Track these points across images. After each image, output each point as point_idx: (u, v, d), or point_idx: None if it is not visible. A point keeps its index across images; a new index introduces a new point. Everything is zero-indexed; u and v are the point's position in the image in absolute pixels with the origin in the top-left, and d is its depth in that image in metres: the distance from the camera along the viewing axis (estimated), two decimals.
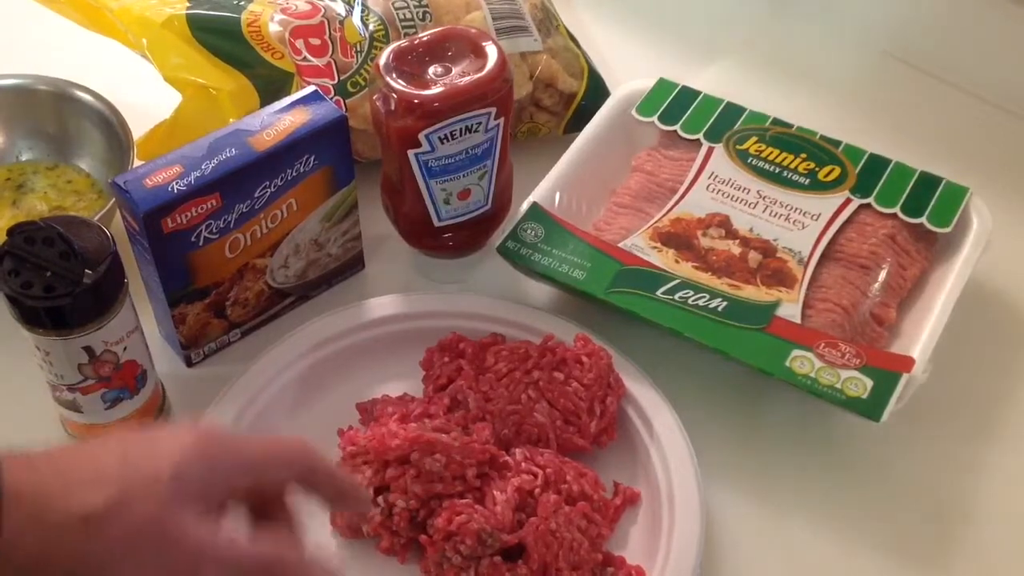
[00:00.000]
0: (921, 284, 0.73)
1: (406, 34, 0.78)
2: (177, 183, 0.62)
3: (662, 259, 0.71)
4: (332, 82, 0.76)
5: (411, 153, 0.67)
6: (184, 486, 0.43)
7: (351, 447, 0.61)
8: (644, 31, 0.99)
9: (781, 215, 0.74)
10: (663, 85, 0.82)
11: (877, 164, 0.76)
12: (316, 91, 0.69)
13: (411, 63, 0.67)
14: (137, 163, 0.73)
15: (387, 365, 0.69)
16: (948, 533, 0.65)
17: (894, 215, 0.74)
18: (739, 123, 0.79)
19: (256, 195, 0.65)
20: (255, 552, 0.45)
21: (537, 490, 0.60)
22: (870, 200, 0.74)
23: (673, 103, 0.81)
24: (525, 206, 0.73)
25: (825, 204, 0.74)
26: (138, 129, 0.76)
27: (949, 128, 0.90)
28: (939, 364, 0.66)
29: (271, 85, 0.75)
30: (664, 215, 0.75)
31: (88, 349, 0.59)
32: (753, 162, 0.77)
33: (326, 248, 0.73)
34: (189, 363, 0.70)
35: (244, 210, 0.65)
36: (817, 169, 0.76)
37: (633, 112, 0.81)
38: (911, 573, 0.63)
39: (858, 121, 0.88)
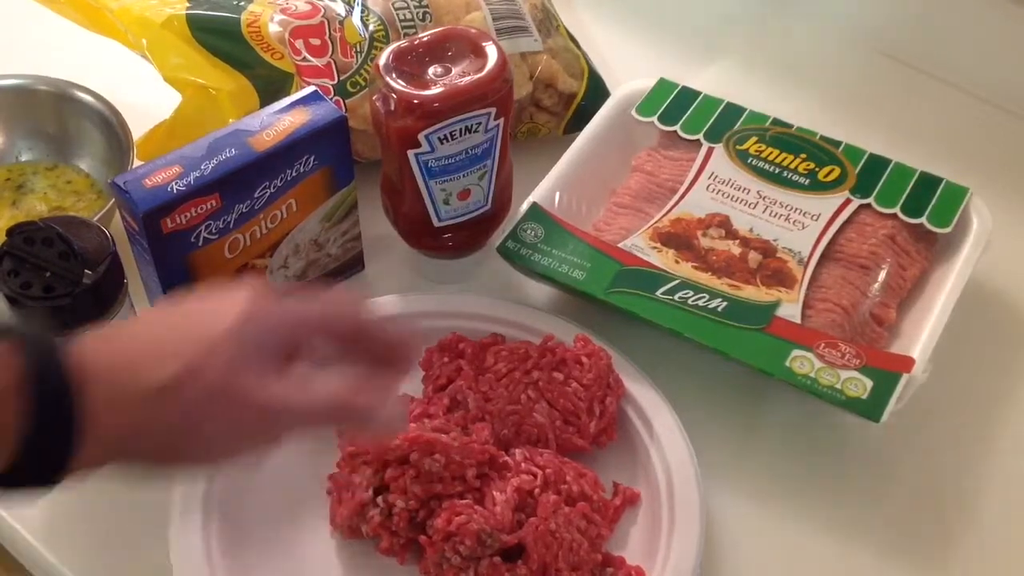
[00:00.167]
0: (921, 284, 0.73)
1: (406, 34, 0.78)
2: (177, 183, 0.62)
3: (662, 259, 0.71)
4: (332, 82, 0.76)
5: (411, 153, 0.67)
6: (244, 349, 0.46)
7: (351, 447, 0.61)
8: (644, 31, 0.99)
9: (781, 215, 0.74)
10: (663, 85, 0.82)
11: (877, 164, 0.76)
12: (316, 91, 0.69)
13: (411, 63, 0.67)
14: (137, 163, 0.73)
15: None
16: (948, 533, 0.65)
17: (894, 215, 0.74)
18: (739, 123, 0.79)
19: (256, 195, 0.65)
20: (323, 397, 0.49)
21: (537, 490, 0.60)
22: (870, 200, 0.74)
23: (673, 103, 0.81)
24: (525, 206, 0.73)
25: (825, 204, 0.74)
26: (138, 129, 0.76)
27: (949, 128, 0.90)
28: (939, 364, 0.66)
29: (271, 85, 0.75)
30: (664, 215, 0.75)
31: None
32: (753, 162, 0.77)
33: (326, 248, 0.73)
34: None
35: (244, 210, 0.65)
36: (817, 169, 0.76)
37: (633, 112, 0.81)
38: (911, 573, 0.63)
39: (858, 121, 0.88)
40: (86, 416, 0.43)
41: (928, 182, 0.75)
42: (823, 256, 0.72)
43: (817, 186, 0.75)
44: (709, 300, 0.68)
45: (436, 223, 0.71)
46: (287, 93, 0.74)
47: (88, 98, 0.79)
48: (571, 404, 0.64)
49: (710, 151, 0.78)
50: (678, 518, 0.60)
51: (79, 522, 0.63)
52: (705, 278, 0.70)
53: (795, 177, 0.76)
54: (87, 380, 0.43)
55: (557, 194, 0.75)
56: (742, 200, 0.75)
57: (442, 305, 0.71)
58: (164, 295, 0.65)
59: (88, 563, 0.61)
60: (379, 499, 0.59)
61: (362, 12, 0.80)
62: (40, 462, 0.43)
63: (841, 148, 0.77)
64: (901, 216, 0.74)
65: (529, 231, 0.72)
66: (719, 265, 0.71)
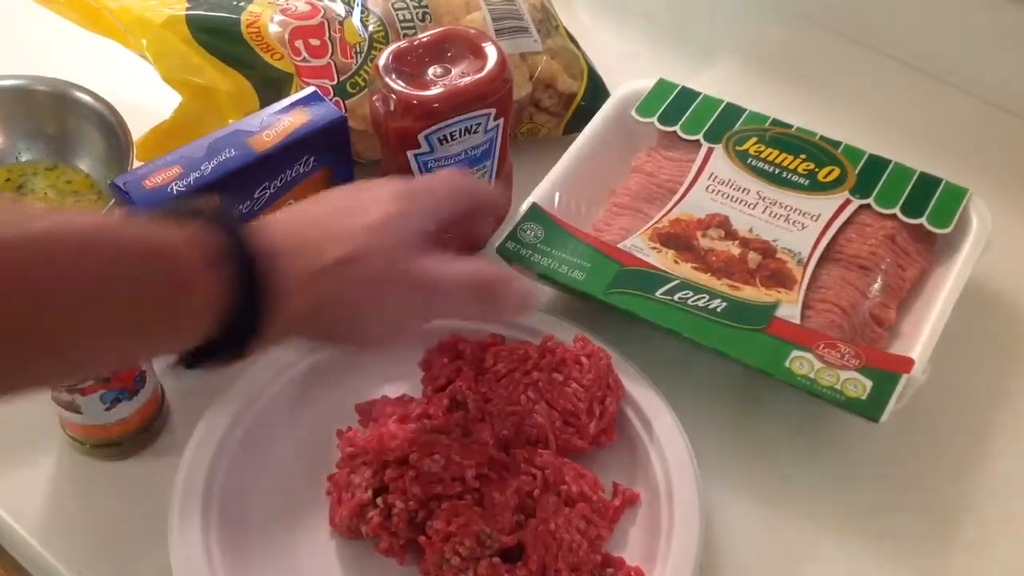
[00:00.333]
0: (920, 285, 0.73)
1: (405, 35, 0.78)
2: (176, 184, 0.62)
3: (661, 260, 0.71)
4: (332, 83, 0.76)
5: (410, 154, 0.67)
6: (400, 234, 0.53)
7: (350, 448, 0.61)
8: (644, 31, 0.99)
9: (781, 216, 0.74)
10: (663, 86, 0.82)
11: (877, 165, 0.76)
12: (316, 92, 0.69)
13: (411, 64, 0.67)
14: (137, 164, 0.73)
15: (386, 366, 0.68)
16: (948, 533, 0.65)
17: (894, 216, 0.74)
18: (739, 124, 0.79)
19: (256, 196, 0.65)
20: (467, 273, 0.56)
21: (536, 491, 0.60)
22: (869, 201, 0.74)
23: (673, 104, 0.81)
24: (525, 206, 0.73)
25: (825, 205, 0.74)
26: (137, 130, 0.76)
27: (949, 128, 0.90)
28: (939, 364, 0.66)
29: (270, 86, 0.75)
30: (664, 216, 0.75)
31: None
32: (753, 163, 0.77)
33: None
34: (189, 364, 0.70)
35: (244, 211, 0.65)
36: (817, 170, 0.76)
37: (633, 113, 0.81)
38: (911, 573, 0.63)
39: (858, 121, 0.88)
40: (278, 288, 0.47)
41: (928, 183, 0.75)
42: (823, 257, 0.72)
43: (817, 187, 0.75)
44: (709, 300, 0.68)
45: None
46: (287, 94, 0.74)
47: (88, 98, 0.79)
48: (571, 405, 0.64)
49: (710, 151, 0.78)
50: (678, 518, 0.60)
51: (79, 522, 0.63)
52: (705, 278, 0.70)
53: (795, 178, 0.76)
54: (276, 255, 0.47)
55: (557, 194, 0.75)
56: (742, 201, 0.75)
57: None
58: None
59: (88, 563, 0.61)
60: (379, 500, 0.59)
61: (362, 13, 0.80)
62: (235, 334, 0.47)
63: (841, 148, 0.77)
64: (901, 216, 0.74)
65: (529, 231, 0.72)
66: (718, 265, 0.71)
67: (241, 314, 0.46)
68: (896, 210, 0.74)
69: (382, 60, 0.67)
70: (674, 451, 0.63)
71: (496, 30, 0.80)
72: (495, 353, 0.66)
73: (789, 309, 0.68)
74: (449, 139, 0.66)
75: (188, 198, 0.58)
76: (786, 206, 0.74)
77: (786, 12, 1.00)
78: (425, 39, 0.69)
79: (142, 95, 0.79)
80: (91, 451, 0.65)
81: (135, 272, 0.44)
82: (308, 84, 0.75)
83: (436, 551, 0.57)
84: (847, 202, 0.74)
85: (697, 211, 0.75)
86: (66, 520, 0.63)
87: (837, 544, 0.64)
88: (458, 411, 0.64)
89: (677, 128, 0.79)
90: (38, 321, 0.41)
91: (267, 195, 0.66)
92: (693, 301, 0.68)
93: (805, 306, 0.69)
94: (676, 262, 0.71)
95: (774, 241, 0.73)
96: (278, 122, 0.66)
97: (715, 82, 0.87)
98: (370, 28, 0.79)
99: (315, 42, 0.77)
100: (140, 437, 0.65)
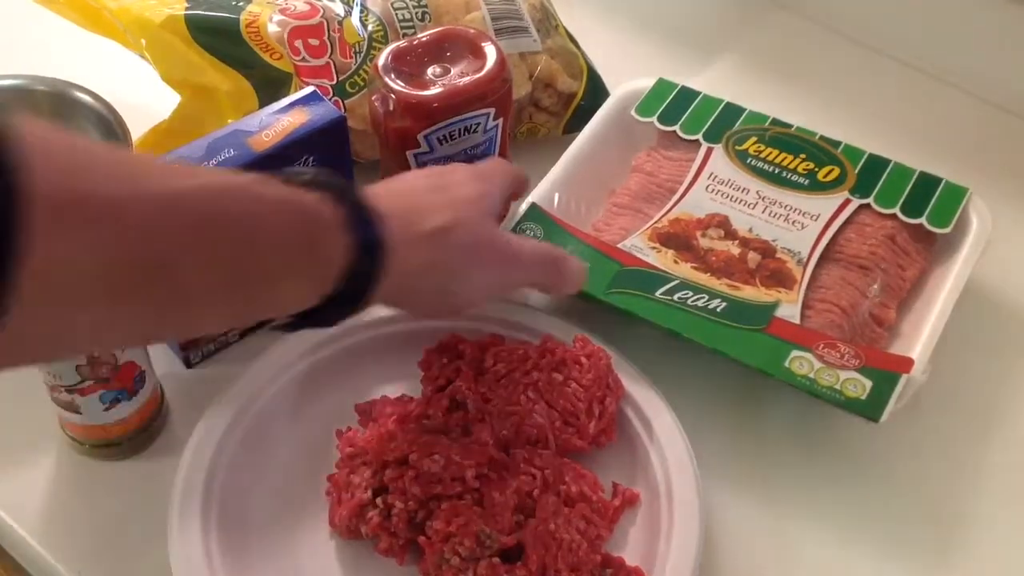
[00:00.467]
0: (920, 285, 0.73)
1: (405, 35, 0.78)
2: None
3: (661, 260, 0.71)
4: (331, 83, 0.76)
5: (410, 154, 0.67)
6: (486, 210, 0.59)
7: (349, 448, 0.61)
8: (644, 31, 0.99)
9: (780, 215, 0.74)
10: (662, 85, 0.82)
11: (876, 164, 0.76)
12: (315, 92, 0.69)
13: (410, 64, 0.67)
14: None
15: (386, 366, 0.68)
16: (948, 533, 0.65)
17: (893, 216, 0.74)
18: (738, 123, 0.79)
19: None
20: (543, 249, 0.64)
21: (536, 491, 0.60)
22: (869, 200, 0.74)
23: (672, 103, 0.81)
24: (524, 206, 0.73)
25: (824, 204, 0.74)
26: (137, 130, 0.76)
27: (949, 128, 0.90)
28: (939, 364, 0.66)
29: (270, 86, 0.75)
30: (663, 215, 0.75)
31: None
32: (752, 162, 0.77)
33: None
34: (188, 364, 0.70)
35: None
36: (816, 169, 0.76)
37: (632, 112, 0.81)
38: (910, 573, 0.63)
39: (858, 121, 0.88)
40: (391, 251, 0.51)
41: (928, 182, 0.75)
42: (822, 256, 0.72)
43: (816, 186, 0.75)
44: (708, 300, 0.68)
45: None
46: (286, 93, 0.74)
47: (87, 98, 0.79)
48: (570, 405, 0.64)
49: (709, 151, 0.78)
50: (677, 518, 0.60)
51: (79, 522, 0.63)
52: (704, 278, 0.70)
53: (794, 177, 0.76)
54: (386, 219, 0.52)
55: (556, 194, 0.75)
56: (741, 200, 0.75)
57: None
58: None
59: (88, 563, 0.61)
60: (378, 500, 0.59)
61: (361, 12, 0.80)
62: (351, 293, 0.51)
63: (840, 148, 0.77)
64: (900, 216, 0.74)
65: (528, 231, 0.72)
66: (718, 265, 0.71)
67: (362, 272, 0.51)
68: (896, 210, 0.74)
69: (381, 60, 0.67)
70: (674, 451, 0.63)
71: (496, 30, 0.80)
72: (495, 353, 0.66)
73: (789, 309, 0.68)
74: (449, 139, 0.66)
75: (293, 168, 0.61)
76: (786, 206, 0.74)
77: (786, 12, 1.00)
78: (424, 39, 0.69)
79: (142, 95, 0.79)
80: (90, 451, 0.65)
81: (286, 225, 0.48)
82: (307, 84, 0.75)
83: (436, 551, 0.57)
84: (847, 202, 0.74)
85: (697, 211, 0.75)
86: (66, 520, 0.63)
87: (837, 544, 0.64)
88: (458, 411, 0.64)
89: (677, 128, 0.79)
90: (237, 262, 0.45)
91: None
92: (693, 301, 0.68)
93: (805, 306, 0.69)
94: (676, 262, 0.71)
95: (774, 241, 0.73)
96: (277, 122, 0.66)
97: (715, 82, 0.87)
98: (369, 28, 0.79)
99: (314, 42, 0.77)
100: (140, 437, 0.65)
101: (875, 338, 0.70)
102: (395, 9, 0.80)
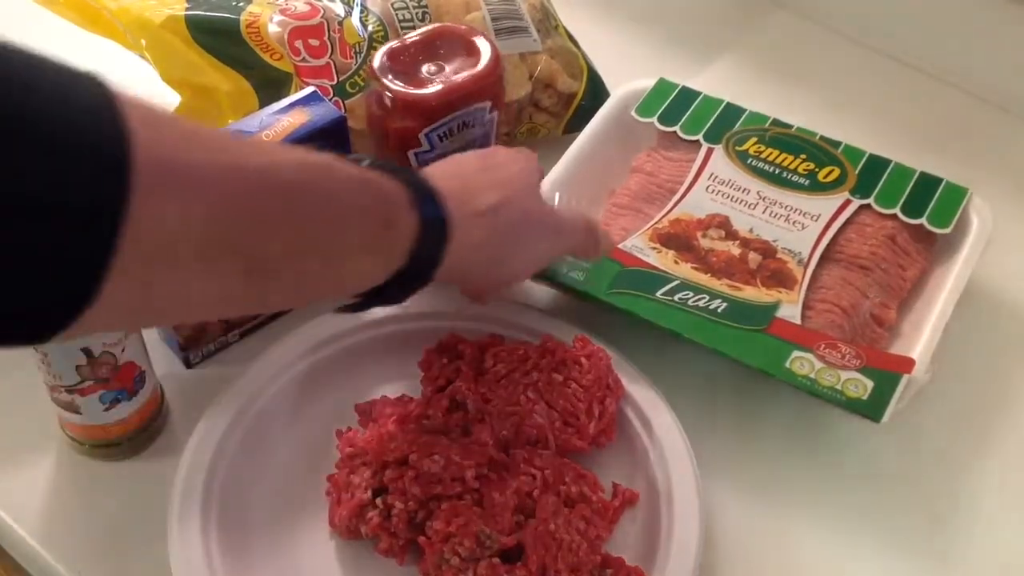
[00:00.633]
0: (920, 285, 0.73)
1: (405, 35, 0.78)
2: None
3: (662, 260, 0.71)
4: (331, 83, 0.76)
5: (411, 153, 0.67)
6: (532, 187, 0.63)
7: (349, 448, 0.61)
8: (644, 31, 0.99)
9: (781, 216, 0.74)
10: (663, 85, 0.82)
11: (877, 165, 0.76)
12: (315, 92, 0.69)
13: (404, 63, 0.68)
14: None
15: (386, 366, 0.68)
16: (948, 533, 0.65)
17: (894, 216, 0.74)
18: (739, 124, 0.79)
19: None
20: (581, 219, 0.67)
21: (536, 492, 0.60)
22: (870, 201, 0.74)
23: (673, 104, 0.81)
24: None
25: (825, 205, 0.74)
26: None
27: (949, 128, 0.90)
28: (939, 364, 0.66)
29: (270, 86, 0.75)
30: (664, 216, 0.75)
31: (86, 350, 0.59)
32: (753, 163, 0.77)
33: None
34: (188, 364, 0.70)
35: None
36: (817, 170, 0.76)
37: (633, 113, 0.80)
38: (910, 573, 0.63)
39: (857, 121, 0.88)
40: (455, 227, 0.54)
41: (928, 183, 0.75)
42: (823, 257, 0.72)
43: (817, 187, 0.75)
44: (709, 301, 0.68)
45: None
46: (286, 94, 0.74)
47: None
48: (570, 405, 0.64)
49: (710, 152, 0.78)
50: (677, 518, 0.60)
51: (78, 522, 0.63)
52: (705, 279, 0.70)
53: (795, 178, 0.76)
54: (447, 199, 0.54)
55: (557, 194, 0.75)
56: (742, 201, 0.75)
57: (441, 306, 0.70)
58: None
59: (88, 563, 0.61)
60: (378, 500, 0.59)
61: (361, 13, 0.80)
62: (416, 270, 0.53)
63: (841, 148, 0.77)
64: (901, 217, 0.74)
65: None
66: (719, 266, 0.71)
67: (428, 249, 0.53)
68: (896, 210, 0.74)
69: (377, 61, 0.67)
70: (674, 451, 0.63)
71: (496, 30, 0.80)
72: (495, 354, 0.66)
73: (790, 309, 0.68)
74: (449, 135, 0.67)
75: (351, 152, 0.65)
76: (786, 206, 0.74)
77: (786, 12, 1.00)
78: (416, 38, 0.69)
79: (142, 95, 0.79)
80: (90, 451, 0.65)
81: (368, 201, 0.50)
82: (307, 84, 0.75)
83: (436, 551, 0.57)
84: (847, 202, 0.74)
85: (697, 211, 0.75)
86: (65, 520, 0.63)
87: (837, 544, 0.64)
88: (458, 411, 0.64)
89: (677, 128, 0.79)
90: (321, 235, 0.47)
91: None
92: (694, 301, 0.68)
93: (805, 306, 0.69)
94: (676, 262, 0.71)
95: (774, 241, 0.72)
96: (277, 122, 0.66)
97: (715, 82, 0.87)
98: (369, 28, 0.79)
99: (314, 42, 0.77)
100: (139, 437, 0.65)
101: (876, 338, 0.70)
102: (395, 9, 0.80)
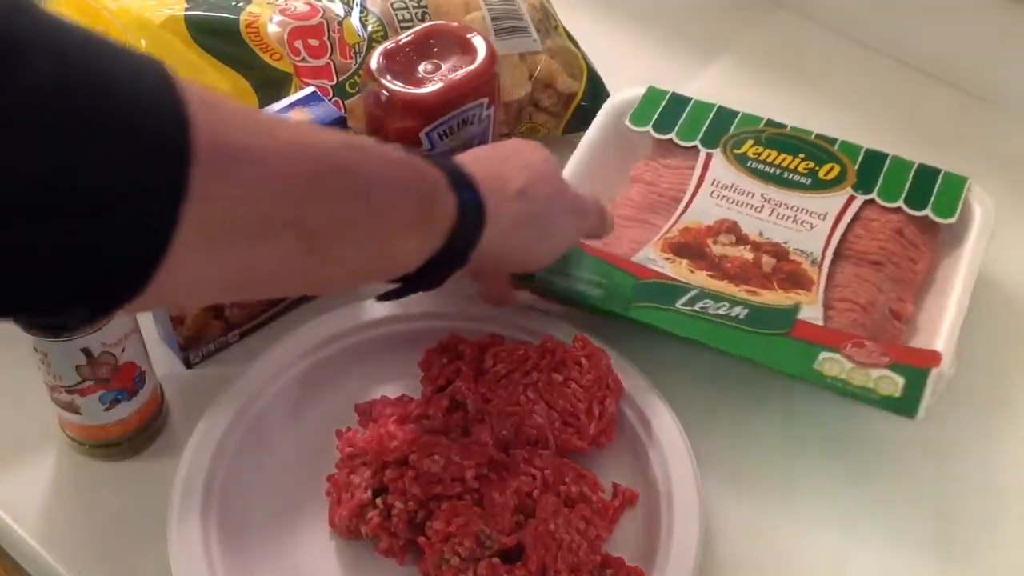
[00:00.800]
0: (929, 276, 0.73)
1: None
2: None
3: (676, 270, 0.70)
4: (331, 83, 0.76)
5: None
6: (555, 170, 0.64)
7: (349, 448, 0.61)
8: (644, 31, 0.99)
9: (788, 217, 0.74)
10: (652, 93, 0.81)
11: (875, 159, 0.76)
12: (315, 92, 0.69)
13: (400, 63, 0.68)
14: None
15: (386, 366, 0.68)
16: (950, 532, 0.64)
17: (899, 209, 0.74)
18: (733, 127, 0.79)
19: None
20: (596, 200, 0.69)
21: (536, 492, 0.60)
22: (873, 195, 0.74)
23: (665, 111, 0.80)
24: None
25: (830, 203, 0.74)
26: None
27: (949, 128, 0.90)
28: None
29: (270, 86, 0.75)
30: (672, 225, 0.74)
31: (86, 351, 0.59)
32: (753, 165, 0.77)
33: None
34: (188, 364, 0.70)
35: None
36: (817, 168, 0.76)
37: (627, 122, 0.80)
38: (913, 572, 0.63)
39: (856, 120, 0.88)
40: (489, 209, 0.56)
41: (927, 173, 0.75)
42: (835, 255, 0.71)
43: (819, 185, 0.75)
44: (730, 308, 0.67)
45: None
46: (286, 94, 0.74)
47: None
48: (570, 405, 0.64)
49: (709, 157, 0.77)
50: (677, 518, 0.60)
51: (79, 522, 0.63)
52: (722, 286, 0.69)
53: (796, 177, 0.76)
54: (480, 183, 0.56)
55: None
56: (748, 204, 0.74)
57: (441, 306, 0.70)
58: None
59: (88, 563, 0.61)
60: (378, 500, 0.59)
61: (361, 13, 0.80)
62: (454, 252, 0.54)
63: (837, 145, 0.77)
64: (906, 209, 0.73)
65: None
66: (734, 272, 0.70)
67: (466, 230, 0.55)
68: (900, 203, 0.74)
69: (374, 63, 0.67)
70: (674, 451, 0.63)
71: (495, 30, 0.80)
72: (495, 354, 0.66)
73: (811, 311, 0.68)
74: (448, 133, 0.66)
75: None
76: (792, 207, 0.74)
77: (785, 12, 1.00)
78: (410, 37, 0.69)
79: None
80: (90, 451, 0.65)
81: (412, 182, 0.52)
82: (307, 84, 0.75)
83: (436, 551, 0.57)
84: (851, 198, 0.74)
85: (705, 218, 0.74)
86: (65, 520, 0.63)
87: (837, 544, 0.64)
88: (458, 411, 0.64)
89: (673, 135, 0.79)
90: (368, 214, 0.49)
91: None
92: (715, 310, 0.67)
93: (826, 306, 0.68)
94: (691, 271, 0.70)
95: (785, 243, 0.72)
96: None
97: (715, 81, 0.87)
98: (369, 28, 0.79)
99: (314, 42, 0.77)
100: (140, 437, 0.65)
101: (895, 333, 0.69)
102: (395, 9, 0.80)
